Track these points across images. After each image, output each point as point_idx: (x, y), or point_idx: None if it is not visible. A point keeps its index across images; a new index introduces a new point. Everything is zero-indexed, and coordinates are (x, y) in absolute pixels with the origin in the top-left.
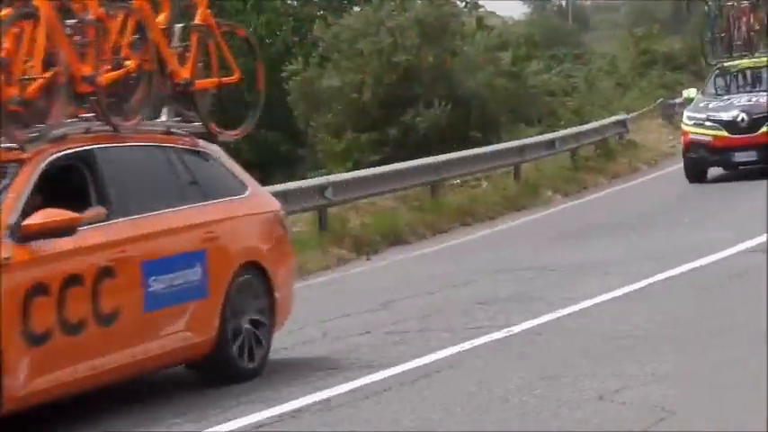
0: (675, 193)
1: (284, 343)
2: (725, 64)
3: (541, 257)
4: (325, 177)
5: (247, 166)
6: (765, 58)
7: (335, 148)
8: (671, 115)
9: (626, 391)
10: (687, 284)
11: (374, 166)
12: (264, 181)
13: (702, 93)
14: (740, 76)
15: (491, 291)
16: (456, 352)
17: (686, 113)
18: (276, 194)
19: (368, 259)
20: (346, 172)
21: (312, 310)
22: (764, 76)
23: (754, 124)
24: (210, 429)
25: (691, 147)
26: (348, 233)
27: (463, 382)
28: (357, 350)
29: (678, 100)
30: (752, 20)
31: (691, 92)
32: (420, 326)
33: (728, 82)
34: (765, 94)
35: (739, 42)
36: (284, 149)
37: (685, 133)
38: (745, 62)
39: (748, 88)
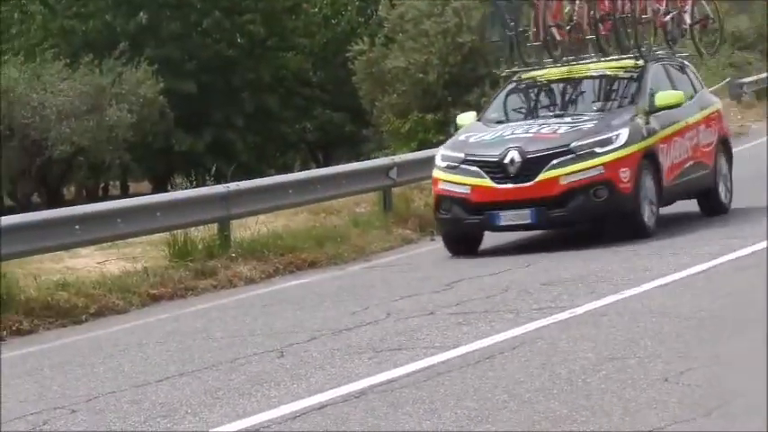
0: (745, 174)
1: (348, 323)
2: (524, 75)
3: (607, 239)
4: (390, 158)
5: (312, 146)
6: (590, 66)
7: (400, 129)
8: (739, 95)
9: (691, 372)
10: (754, 266)
11: (439, 146)
12: (329, 160)
13: (480, 119)
14: (540, 93)
15: (555, 272)
16: (520, 333)
17: (439, 152)
18: (340, 175)
19: (432, 240)
20: (411, 152)
21: (376, 290)
22: (570, 92)
23: (530, 168)
24: (275, 409)
25: (441, 202)
26: (412, 213)
27: (527, 363)
28: (420, 331)
29: (747, 80)
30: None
31: (463, 118)
32: (484, 307)
33: (523, 102)
34: (561, 120)
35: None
36: (349, 129)
37: (435, 181)
38: (555, 71)
39: (544, 112)
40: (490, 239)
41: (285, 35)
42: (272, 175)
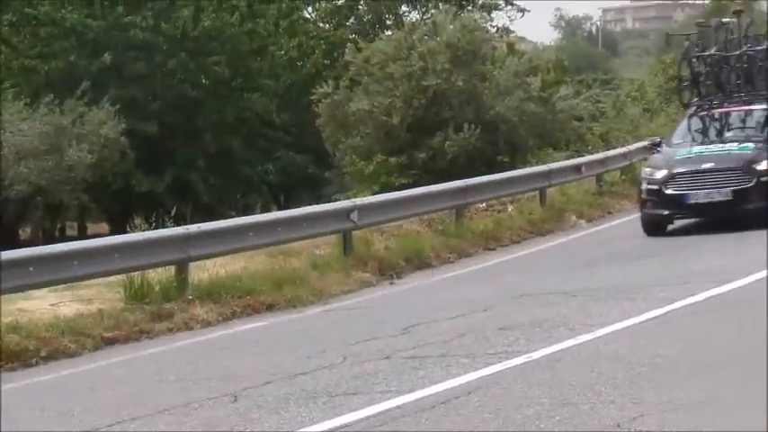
0: (700, 220)
1: (304, 367)
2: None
3: (565, 283)
4: (352, 201)
5: (274, 188)
6: None
7: (363, 171)
8: None
9: (644, 418)
10: (710, 311)
11: (401, 190)
12: (291, 202)
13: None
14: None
15: (513, 316)
16: (475, 378)
17: None
18: (301, 217)
19: (391, 283)
20: (373, 195)
21: (333, 334)
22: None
23: None
24: None
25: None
26: (372, 256)
27: (481, 408)
28: (376, 375)
29: None
30: None
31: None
32: (440, 351)
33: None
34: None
35: None
36: (311, 172)
37: None
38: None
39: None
40: (450, 291)
41: (250, 76)
42: (233, 217)
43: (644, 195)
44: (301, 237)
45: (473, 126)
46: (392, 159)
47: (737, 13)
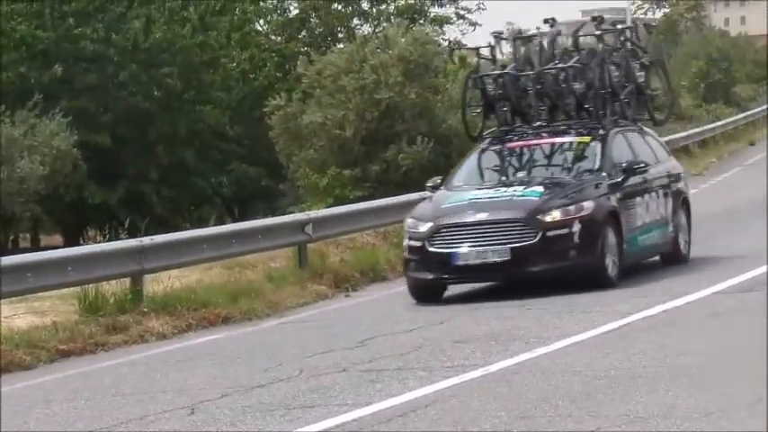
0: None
1: (260, 380)
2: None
3: (521, 295)
4: (306, 213)
5: (227, 201)
6: None
7: (317, 184)
8: None
9: (601, 431)
10: (664, 324)
11: (356, 202)
12: (245, 215)
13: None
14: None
15: (469, 329)
16: (432, 391)
17: None
18: (256, 230)
19: (347, 296)
20: (327, 208)
21: (289, 346)
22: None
23: None
24: None
25: None
26: (327, 269)
27: (438, 421)
28: (333, 388)
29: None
30: None
31: None
32: (397, 364)
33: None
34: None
35: None
36: (265, 184)
37: None
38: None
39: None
40: (406, 304)
41: (202, 89)
42: (187, 229)
43: (406, 254)
44: (256, 249)
45: (426, 139)
46: (346, 172)
47: (596, 20)
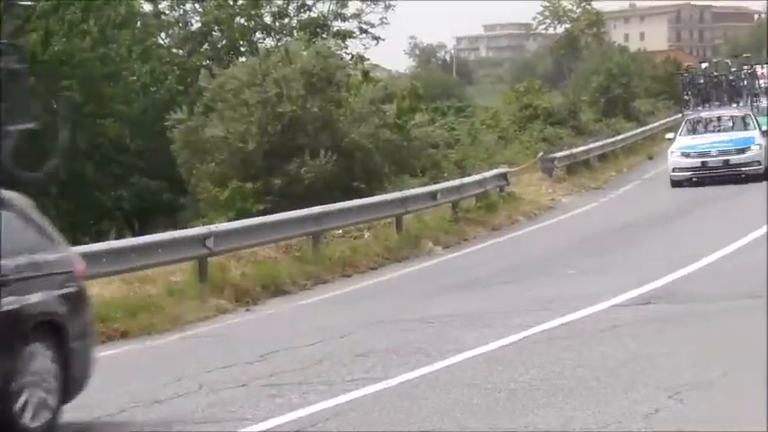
0: (553, 247)
1: (159, 396)
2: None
3: (422, 309)
4: (207, 227)
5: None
6: None
7: (219, 197)
8: (551, 169)
9: None
10: (562, 337)
11: (258, 216)
12: (145, 229)
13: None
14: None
15: (370, 342)
16: (333, 405)
17: None
18: (157, 243)
19: (248, 310)
20: (229, 221)
21: (189, 361)
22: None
23: None
24: None
25: None
26: (228, 283)
27: None
28: (233, 403)
29: (558, 154)
30: None
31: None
32: (298, 378)
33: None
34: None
35: None
36: (166, 198)
37: None
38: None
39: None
40: (307, 318)
41: (103, 102)
42: (86, 243)
43: None
44: (157, 263)
45: (329, 152)
46: (248, 185)
47: None
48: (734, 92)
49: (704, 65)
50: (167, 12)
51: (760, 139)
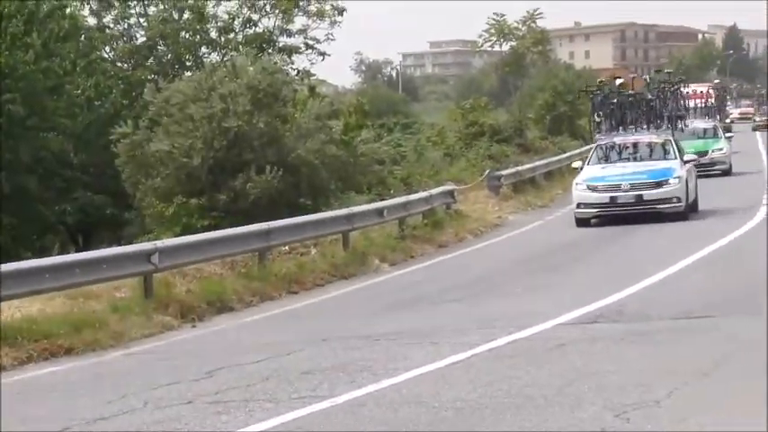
0: (500, 264)
1: (104, 413)
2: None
3: (368, 326)
4: (152, 243)
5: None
6: None
7: (164, 213)
8: (497, 187)
9: None
10: (509, 355)
11: (203, 232)
12: (89, 244)
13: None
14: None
15: (316, 360)
16: (279, 422)
17: None
18: (101, 259)
19: (193, 326)
20: (174, 237)
21: (134, 378)
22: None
23: None
24: None
25: None
26: (174, 299)
27: None
28: (179, 420)
29: (505, 172)
30: None
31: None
32: (243, 396)
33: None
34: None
35: None
36: (110, 212)
37: None
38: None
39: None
40: (253, 335)
41: (46, 115)
42: (29, 259)
43: None
44: (101, 279)
45: (275, 168)
46: (193, 201)
47: None
48: (653, 114)
49: (618, 80)
50: (112, 25)
51: (681, 171)
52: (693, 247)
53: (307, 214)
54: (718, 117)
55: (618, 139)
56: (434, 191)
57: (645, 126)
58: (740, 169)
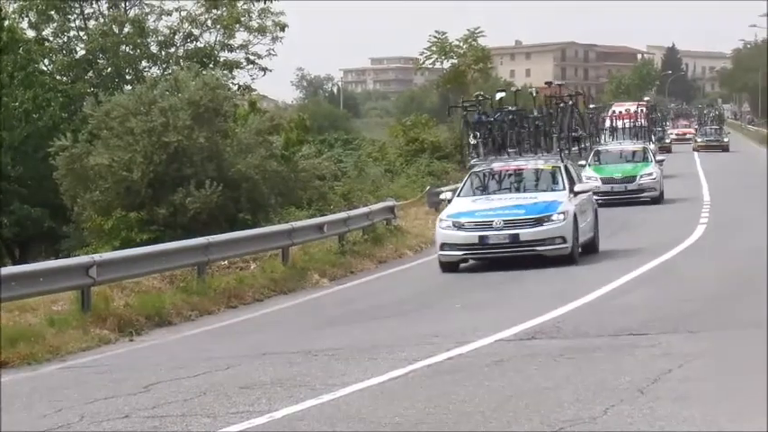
0: (439, 281)
1: (38, 427)
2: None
3: (308, 342)
4: (90, 256)
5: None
6: None
7: (103, 226)
8: (437, 203)
9: None
10: (448, 372)
11: (142, 246)
12: (26, 257)
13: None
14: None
15: (255, 375)
16: None
17: None
18: (38, 272)
19: (131, 340)
20: (113, 251)
21: (71, 392)
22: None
23: None
24: None
25: None
26: (112, 313)
27: None
28: None
29: (445, 189)
30: None
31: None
32: (181, 410)
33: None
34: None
35: None
36: (48, 226)
37: None
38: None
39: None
40: (192, 349)
41: None
42: None
43: None
44: (38, 292)
45: (215, 183)
46: (132, 215)
47: None
48: (541, 135)
49: (500, 94)
50: (51, 38)
51: (567, 205)
52: (638, 263)
53: (246, 229)
54: (650, 138)
55: (496, 166)
56: (375, 207)
57: (532, 150)
58: (673, 195)
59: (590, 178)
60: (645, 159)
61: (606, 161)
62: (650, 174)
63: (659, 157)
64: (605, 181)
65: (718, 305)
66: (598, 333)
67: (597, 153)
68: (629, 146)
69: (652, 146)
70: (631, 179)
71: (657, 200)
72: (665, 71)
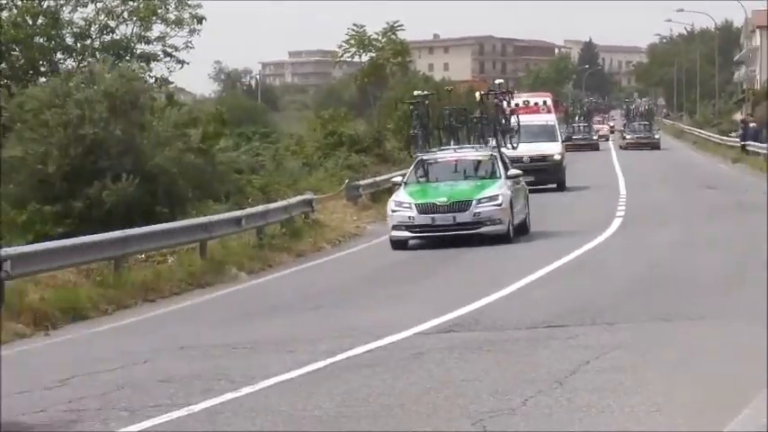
0: (358, 274)
1: None
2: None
3: (226, 335)
4: (4, 250)
5: None
6: None
7: (16, 220)
8: (356, 197)
9: None
10: (367, 365)
11: (57, 239)
12: None
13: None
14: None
15: (173, 368)
16: (135, 431)
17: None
18: None
19: (46, 335)
20: (27, 244)
21: None
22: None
23: None
24: None
25: None
26: (26, 307)
27: None
28: (31, 429)
29: (363, 182)
30: None
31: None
32: (98, 404)
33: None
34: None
35: None
36: None
37: None
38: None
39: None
40: (108, 343)
41: None
42: None
43: None
44: None
45: (132, 176)
46: (47, 208)
47: None
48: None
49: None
50: None
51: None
52: (557, 255)
53: (164, 222)
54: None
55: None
56: (293, 200)
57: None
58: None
59: (401, 204)
60: (492, 175)
61: (436, 177)
62: (494, 198)
63: (513, 171)
64: (423, 209)
65: (633, 298)
66: (516, 326)
67: (421, 164)
68: (470, 153)
69: (511, 151)
70: (463, 206)
71: (505, 237)
72: (583, 65)
